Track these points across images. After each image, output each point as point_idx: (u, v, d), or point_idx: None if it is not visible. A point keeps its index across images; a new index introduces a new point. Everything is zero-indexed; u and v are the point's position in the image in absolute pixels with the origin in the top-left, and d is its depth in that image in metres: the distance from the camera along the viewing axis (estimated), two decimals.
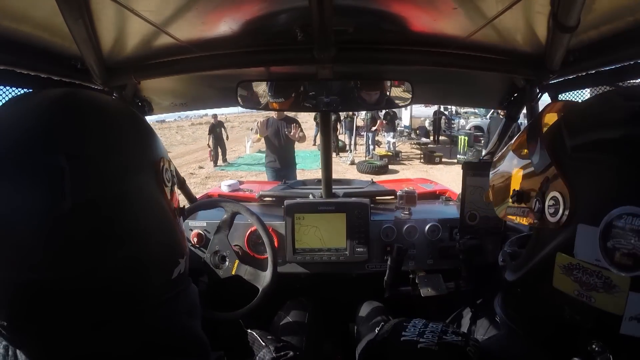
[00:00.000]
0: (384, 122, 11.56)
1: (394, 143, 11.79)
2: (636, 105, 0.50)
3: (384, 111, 11.71)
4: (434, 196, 2.02)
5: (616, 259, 0.46)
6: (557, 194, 0.54)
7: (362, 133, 12.15)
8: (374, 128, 11.43)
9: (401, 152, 12.06)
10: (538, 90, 1.29)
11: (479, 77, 1.35)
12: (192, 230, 1.57)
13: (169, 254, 0.54)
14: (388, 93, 1.33)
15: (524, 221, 0.64)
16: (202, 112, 13.53)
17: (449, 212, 1.71)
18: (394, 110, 11.74)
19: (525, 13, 0.84)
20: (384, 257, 1.55)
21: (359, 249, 1.53)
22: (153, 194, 0.52)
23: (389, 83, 1.32)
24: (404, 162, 11.18)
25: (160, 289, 0.53)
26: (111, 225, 0.46)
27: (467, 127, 14.13)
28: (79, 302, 0.45)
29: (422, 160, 11.11)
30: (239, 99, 1.27)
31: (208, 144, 11.70)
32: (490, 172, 0.84)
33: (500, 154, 0.82)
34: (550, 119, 0.65)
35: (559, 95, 1.22)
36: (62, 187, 0.43)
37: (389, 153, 11.09)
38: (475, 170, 1.35)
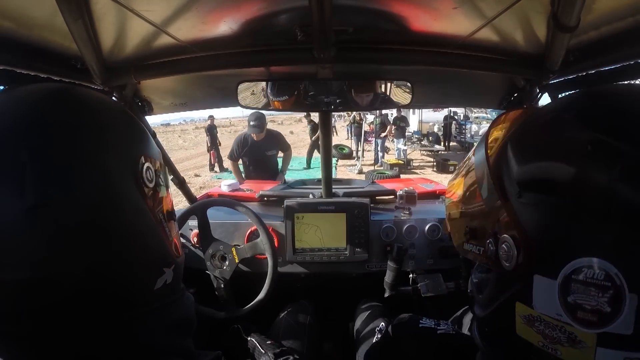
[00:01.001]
0: (393, 127, 11.16)
1: (404, 150, 11.24)
2: (595, 138, 0.42)
3: (393, 116, 11.55)
4: (434, 196, 2.02)
5: (579, 315, 0.41)
6: (509, 239, 0.48)
7: (370, 139, 11.78)
8: (383, 134, 10.97)
9: (412, 160, 11.53)
10: (538, 90, 1.27)
11: (478, 77, 1.33)
12: (192, 230, 1.57)
13: (149, 262, 0.50)
14: (388, 93, 1.32)
15: (481, 261, 0.58)
16: (206, 115, 13.44)
17: None
18: (403, 114, 11.60)
19: (525, 13, 0.83)
20: (384, 257, 1.53)
21: (358, 249, 1.53)
22: (128, 195, 0.48)
23: (389, 83, 1.31)
24: (415, 170, 10.84)
25: (140, 300, 0.49)
26: (77, 227, 0.43)
27: (480, 133, 13.94)
28: (43, 308, 0.42)
29: (435, 169, 10.73)
30: (239, 99, 1.26)
31: (207, 145, 11.56)
32: (445, 198, 0.78)
33: (454, 175, 0.77)
34: (499, 134, 0.58)
35: (559, 96, 1.21)
36: (22, 184, 0.40)
37: (400, 161, 10.65)
38: None
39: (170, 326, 0.52)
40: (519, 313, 0.48)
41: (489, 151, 0.56)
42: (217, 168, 11.54)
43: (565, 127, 0.46)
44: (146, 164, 0.51)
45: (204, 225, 1.47)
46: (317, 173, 9.78)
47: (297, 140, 21.16)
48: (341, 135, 19.80)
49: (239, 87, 1.24)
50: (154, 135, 1.51)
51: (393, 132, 11.31)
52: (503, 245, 0.50)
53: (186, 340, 0.55)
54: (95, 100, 0.51)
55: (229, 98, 1.38)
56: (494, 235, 0.52)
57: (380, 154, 11.16)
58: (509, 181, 0.50)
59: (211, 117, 12.30)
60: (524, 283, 0.47)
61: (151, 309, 0.50)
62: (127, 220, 0.48)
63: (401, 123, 11.23)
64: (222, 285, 1.43)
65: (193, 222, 1.56)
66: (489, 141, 0.59)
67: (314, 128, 11.02)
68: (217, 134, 11.94)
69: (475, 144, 0.65)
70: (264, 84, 1.26)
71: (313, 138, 10.86)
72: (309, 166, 10.53)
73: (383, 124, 11.11)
